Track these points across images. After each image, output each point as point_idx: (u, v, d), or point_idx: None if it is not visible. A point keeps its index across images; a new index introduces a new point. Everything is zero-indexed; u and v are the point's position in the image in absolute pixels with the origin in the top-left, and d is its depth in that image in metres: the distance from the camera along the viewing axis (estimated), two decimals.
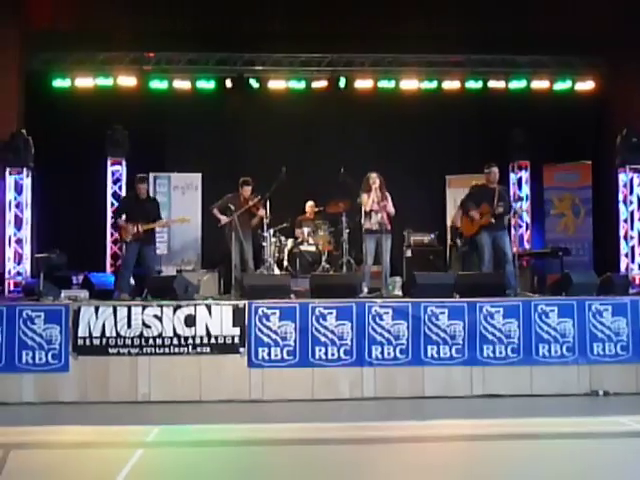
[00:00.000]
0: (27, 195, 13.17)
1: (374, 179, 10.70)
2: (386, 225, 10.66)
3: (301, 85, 14.75)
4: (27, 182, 13.17)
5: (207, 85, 14.66)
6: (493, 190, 10.82)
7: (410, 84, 14.73)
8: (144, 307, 8.89)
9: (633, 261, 13.71)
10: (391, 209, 10.73)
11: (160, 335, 8.79)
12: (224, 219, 11.46)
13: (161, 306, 8.89)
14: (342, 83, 14.57)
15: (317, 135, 14.66)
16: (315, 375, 8.85)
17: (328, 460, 6.31)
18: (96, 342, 8.75)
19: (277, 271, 12.31)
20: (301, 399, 8.69)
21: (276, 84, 14.73)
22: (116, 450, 6.64)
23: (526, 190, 15.42)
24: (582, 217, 14.68)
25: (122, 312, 8.82)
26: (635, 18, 13.28)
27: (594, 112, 14.58)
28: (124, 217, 11.20)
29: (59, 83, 14.39)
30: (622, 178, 13.81)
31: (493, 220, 10.64)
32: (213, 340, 8.81)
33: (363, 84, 14.70)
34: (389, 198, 10.76)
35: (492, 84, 14.83)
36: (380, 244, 10.65)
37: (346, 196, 12.02)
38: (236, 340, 8.83)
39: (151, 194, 13.67)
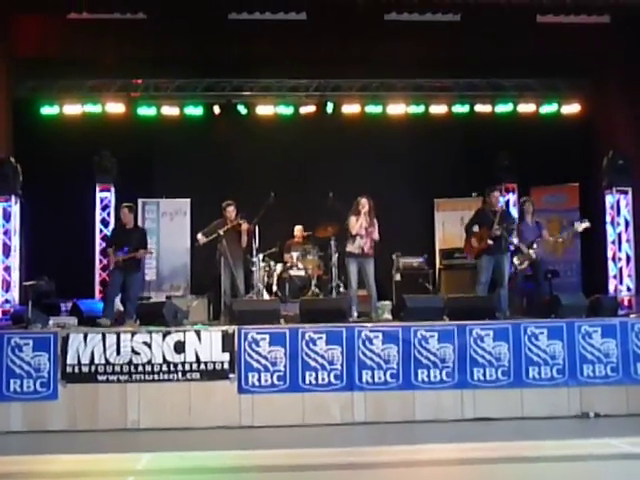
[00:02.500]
0: (15, 222, 13.10)
1: (363, 204, 10.77)
2: (368, 250, 10.71)
3: (289, 110, 14.81)
4: (15, 209, 13.12)
5: (195, 111, 14.71)
6: (494, 213, 10.93)
7: (397, 109, 14.82)
8: (133, 334, 8.86)
9: (621, 282, 13.74)
10: (376, 236, 10.78)
11: (149, 362, 8.75)
12: (202, 239, 11.42)
13: (150, 332, 8.85)
14: (330, 108, 14.66)
15: (305, 160, 14.70)
16: (305, 400, 8.83)
17: None
18: (85, 369, 8.71)
19: (266, 296, 12.28)
20: (292, 424, 8.66)
21: (264, 109, 14.79)
22: (107, 478, 6.60)
23: (514, 212, 15.45)
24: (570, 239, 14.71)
25: (111, 339, 8.78)
26: (619, 40, 13.40)
27: (580, 134, 14.67)
28: (113, 247, 11.32)
29: (47, 110, 14.42)
30: (609, 200, 13.87)
31: (491, 242, 10.70)
32: (203, 366, 8.78)
33: (351, 109, 14.78)
34: (376, 225, 10.79)
35: (479, 108, 14.94)
36: (363, 269, 10.71)
37: (335, 220, 12.04)
38: (226, 366, 8.79)
39: (139, 221, 13.74)
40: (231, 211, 11.51)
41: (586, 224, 11.14)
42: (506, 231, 10.81)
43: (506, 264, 10.82)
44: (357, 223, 10.74)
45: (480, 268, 10.85)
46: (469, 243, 11.12)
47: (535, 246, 11.03)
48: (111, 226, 13.90)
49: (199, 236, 11.56)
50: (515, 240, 11.03)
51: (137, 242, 11.33)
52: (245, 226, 11.42)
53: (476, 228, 11.00)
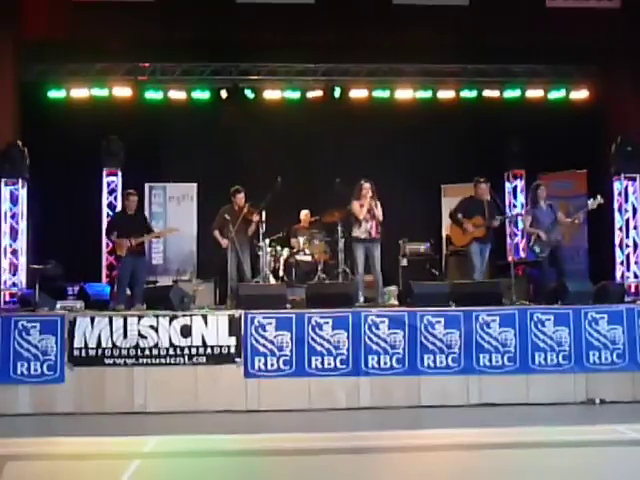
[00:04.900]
0: (22, 206, 13.15)
1: (367, 188, 10.79)
2: (375, 234, 10.74)
3: (296, 95, 14.76)
4: (22, 193, 13.16)
5: (202, 95, 14.67)
6: (482, 202, 11.10)
7: (405, 94, 14.75)
8: (140, 317, 8.88)
9: (628, 269, 13.74)
10: (380, 216, 10.77)
11: (156, 345, 8.77)
12: (225, 243, 11.40)
13: (157, 316, 8.87)
14: (337, 93, 14.59)
15: (312, 145, 14.67)
16: (311, 385, 8.84)
17: (325, 470, 6.30)
18: (92, 353, 8.74)
19: (273, 281, 12.29)
20: (297, 409, 8.68)
21: (271, 94, 14.74)
22: (113, 461, 6.62)
23: (521, 199, 15.46)
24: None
25: (118, 322, 8.81)
26: (629, 26, 13.32)
27: (589, 121, 14.58)
28: (115, 233, 11.30)
29: (54, 94, 14.39)
30: (617, 186, 13.85)
31: (485, 231, 10.96)
32: (209, 350, 8.80)
33: (358, 94, 14.72)
34: (379, 206, 10.81)
35: (487, 93, 14.85)
36: (370, 253, 10.73)
37: (342, 205, 12.02)
38: (232, 350, 8.81)
39: (146, 205, 13.74)
40: (240, 198, 11.54)
41: (599, 200, 10.93)
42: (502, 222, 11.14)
43: (488, 251, 11.09)
44: (363, 208, 10.74)
45: (472, 255, 11.00)
46: (460, 229, 11.19)
47: (553, 231, 11.00)
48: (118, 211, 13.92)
49: (219, 239, 11.49)
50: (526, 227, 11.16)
51: (142, 227, 11.38)
52: (257, 218, 11.47)
53: (460, 216, 11.17)
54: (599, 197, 10.97)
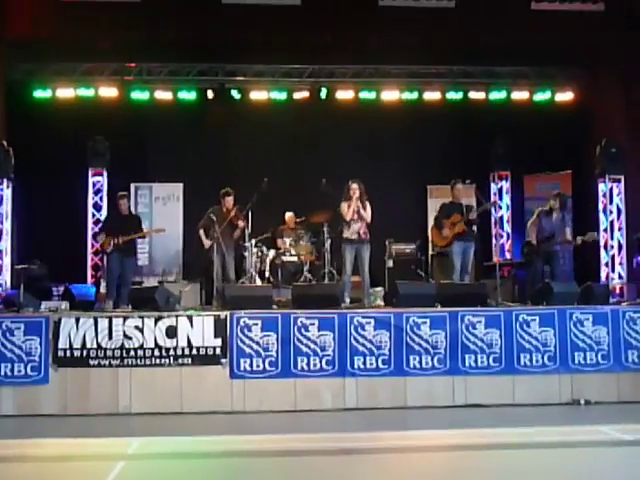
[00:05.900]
0: (7, 206, 13.08)
1: (354, 189, 10.78)
2: (363, 235, 10.75)
3: (282, 96, 14.77)
4: (7, 193, 13.09)
5: (188, 96, 14.65)
6: (460, 205, 11.29)
7: (391, 95, 14.79)
8: (125, 318, 8.84)
9: (613, 270, 13.79)
10: (368, 217, 10.79)
11: (141, 346, 8.73)
12: (208, 244, 11.44)
13: (142, 317, 8.84)
14: (323, 94, 14.61)
15: (299, 146, 14.65)
16: (297, 386, 8.83)
17: (311, 471, 6.30)
18: (77, 354, 8.69)
19: (259, 282, 12.29)
20: (283, 410, 8.67)
21: (258, 95, 14.74)
22: (97, 463, 6.60)
23: (507, 200, 15.51)
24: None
25: (103, 323, 8.76)
26: (614, 28, 13.40)
27: (574, 122, 14.66)
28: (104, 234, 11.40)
29: (40, 94, 14.35)
30: (602, 188, 13.91)
31: (466, 228, 11.03)
32: (194, 351, 8.77)
33: (344, 95, 14.74)
34: (368, 206, 10.82)
35: (472, 95, 14.90)
36: (359, 254, 10.73)
37: (328, 206, 12.04)
38: (218, 351, 8.79)
39: (132, 205, 13.73)
40: (229, 200, 11.54)
41: (595, 236, 11.59)
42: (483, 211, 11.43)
43: (472, 253, 11.16)
44: (350, 209, 10.75)
45: (453, 255, 11.09)
46: (440, 233, 11.33)
47: (551, 243, 11.13)
48: (104, 211, 13.92)
49: (203, 239, 11.57)
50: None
51: (134, 228, 11.41)
52: (242, 224, 11.48)
53: (445, 219, 11.34)
54: (595, 234, 11.57)
